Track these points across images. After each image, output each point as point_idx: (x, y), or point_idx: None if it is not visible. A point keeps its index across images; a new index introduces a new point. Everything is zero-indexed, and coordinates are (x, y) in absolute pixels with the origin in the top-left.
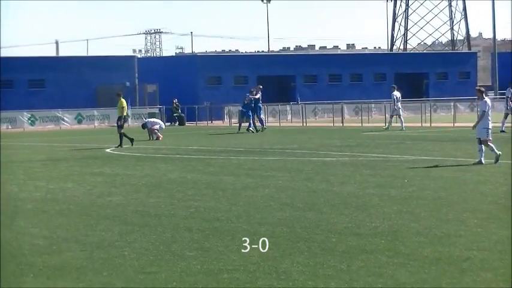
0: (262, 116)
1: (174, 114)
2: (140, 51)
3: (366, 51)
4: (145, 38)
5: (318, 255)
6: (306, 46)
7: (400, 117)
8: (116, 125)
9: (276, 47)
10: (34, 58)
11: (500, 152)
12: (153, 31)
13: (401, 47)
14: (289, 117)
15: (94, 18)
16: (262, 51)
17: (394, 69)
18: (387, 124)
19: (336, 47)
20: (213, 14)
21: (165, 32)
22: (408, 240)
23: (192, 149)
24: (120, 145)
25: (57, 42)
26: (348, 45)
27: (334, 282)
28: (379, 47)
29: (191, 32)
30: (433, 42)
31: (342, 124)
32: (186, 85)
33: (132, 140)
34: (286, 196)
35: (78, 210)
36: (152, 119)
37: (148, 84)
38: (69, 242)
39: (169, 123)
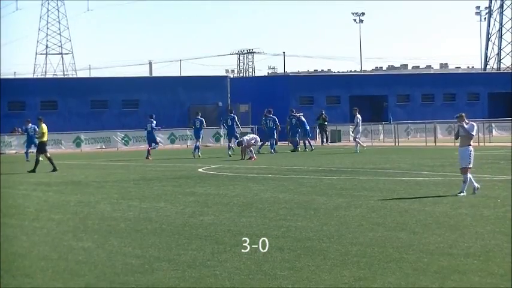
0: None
1: (320, 122)
2: (233, 71)
3: (459, 71)
4: (238, 58)
5: (409, 276)
6: (399, 66)
7: (356, 140)
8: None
9: (368, 66)
10: (128, 78)
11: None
12: (245, 51)
13: (495, 66)
14: (381, 136)
15: (187, 39)
16: (355, 70)
17: (487, 88)
18: (357, 147)
19: (429, 67)
20: (305, 34)
21: (258, 52)
22: (502, 261)
23: (284, 168)
24: (34, 170)
25: (150, 63)
26: (441, 64)
27: None
28: (473, 67)
29: (283, 52)
30: None
31: (434, 144)
32: (278, 105)
33: (54, 168)
34: (378, 216)
35: (171, 230)
36: (247, 136)
37: (241, 104)
38: (161, 261)
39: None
